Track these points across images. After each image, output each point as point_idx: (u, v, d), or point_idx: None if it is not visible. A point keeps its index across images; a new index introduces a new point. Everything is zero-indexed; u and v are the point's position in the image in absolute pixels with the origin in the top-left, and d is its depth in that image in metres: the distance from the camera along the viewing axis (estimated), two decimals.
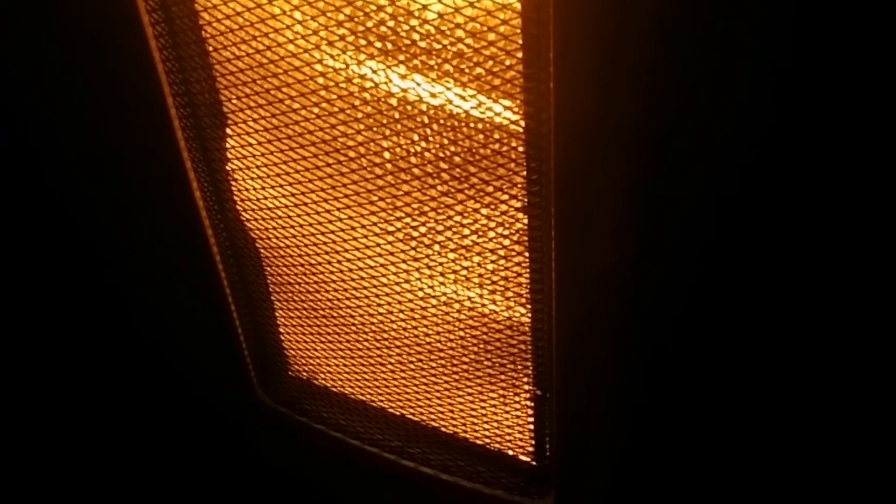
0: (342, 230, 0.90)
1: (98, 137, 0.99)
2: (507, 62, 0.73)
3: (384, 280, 0.93)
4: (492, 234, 0.85)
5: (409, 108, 0.80)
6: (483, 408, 1.00)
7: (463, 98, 0.77)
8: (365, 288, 0.95)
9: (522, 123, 0.76)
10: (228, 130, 0.90)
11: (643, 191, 0.78)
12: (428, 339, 0.96)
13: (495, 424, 1.01)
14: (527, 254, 0.85)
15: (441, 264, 0.89)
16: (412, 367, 1.00)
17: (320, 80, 0.80)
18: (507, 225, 0.84)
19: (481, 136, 0.79)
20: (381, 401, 1.06)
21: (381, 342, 0.99)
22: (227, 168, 0.93)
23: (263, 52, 0.81)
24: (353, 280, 0.94)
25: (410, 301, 0.93)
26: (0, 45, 0.97)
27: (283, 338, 1.08)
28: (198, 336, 1.12)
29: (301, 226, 0.92)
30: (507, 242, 0.85)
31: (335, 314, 1.00)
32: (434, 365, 0.98)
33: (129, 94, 0.91)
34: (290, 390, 1.11)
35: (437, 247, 0.88)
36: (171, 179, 0.95)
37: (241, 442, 1.23)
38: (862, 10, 0.68)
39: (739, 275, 0.84)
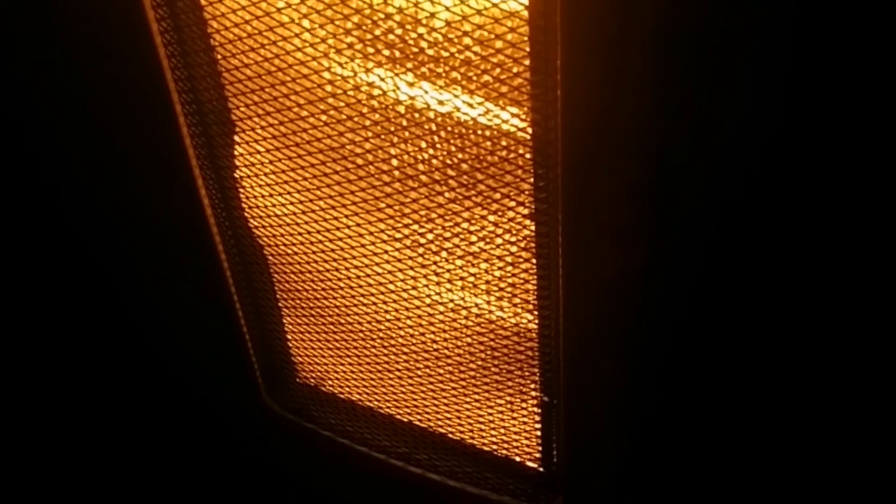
0: (350, 237, 0.90)
1: (107, 144, 0.99)
2: (515, 70, 0.73)
3: (391, 287, 0.93)
4: (499, 240, 0.85)
5: (416, 115, 0.80)
6: (490, 414, 1.00)
7: (470, 105, 0.77)
8: (372, 294, 0.95)
9: (530, 130, 0.77)
10: (237, 138, 0.91)
11: (650, 197, 0.78)
12: (435, 346, 0.96)
13: (502, 431, 1.01)
14: (534, 260, 0.85)
15: (448, 271, 0.89)
16: (419, 373, 1.00)
17: (328, 87, 0.81)
18: (514, 231, 0.84)
19: (489, 143, 0.79)
20: (389, 407, 1.06)
21: (388, 349, 0.99)
22: (236, 175, 0.94)
23: (272, 59, 0.81)
24: (360, 287, 0.95)
25: (418, 308, 0.93)
26: (12, 55, 0.97)
27: (290, 344, 1.08)
28: (205, 342, 1.12)
29: (309, 232, 0.92)
30: (514, 249, 0.86)
31: (342, 321, 1.00)
32: (441, 371, 0.98)
33: (138, 102, 0.91)
34: (298, 397, 1.11)
35: (444, 253, 0.88)
36: (179, 186, 0.95)
37: (248, 448, 1.23)
38: (865, 10, 0.68)
39: (747, 280, 0.84)
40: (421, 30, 0.74)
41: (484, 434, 1.03)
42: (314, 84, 0.81)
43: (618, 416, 0.94)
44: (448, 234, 0.86)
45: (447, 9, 0.72)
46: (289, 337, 1.07)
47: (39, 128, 1.04)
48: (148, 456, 1.34)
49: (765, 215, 0.80)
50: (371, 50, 0.77)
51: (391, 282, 0.93)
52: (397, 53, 0.76)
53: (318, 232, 0.91)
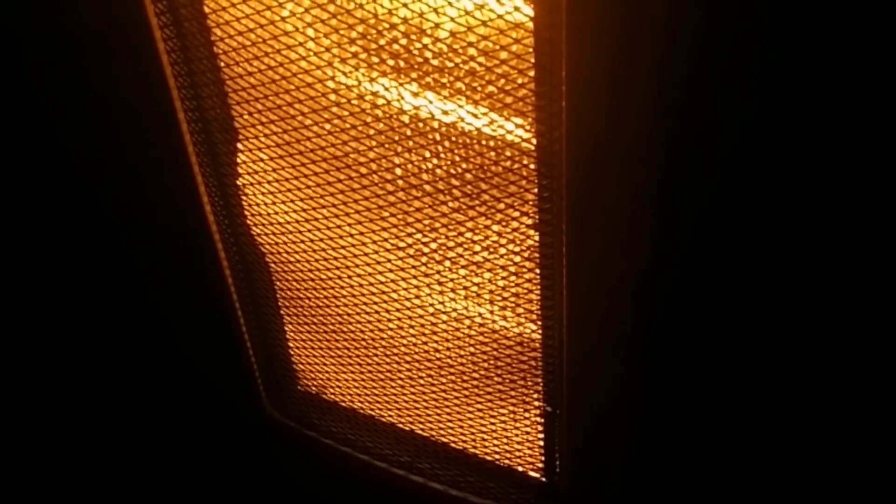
0: (353, 246, 0.90)
1: (110, 150, 0.99)
2: (520, 80, 0.73)
3: (395, 296, 0.93)
4: (503, 250, 0.85)
5: (421, 125, 0.80)
6: (493, 424, 1.00)
7: (475, 115, 0.77)
8: (375, 303, 0.94)
9: (534, 141, 0.76)
10: (239, 145, 0.91)
11: (654, 208, 0.78)
12: (438, 355, 0.96)
13: (505, 440, 1.01)
14: (538, 270, 0.85)
15: (452, 280, 0.89)
16: (422, 382, 0.99)
17: (333, 96, 0.80)
18: (518, 241, 0.84)
19: (493, 154, 0.79)
20: (391, 416, 1.06)
21: (390, 357, 0.99)
22: (238, 182, 0.94)
23: (276, 68, 0.81)
24: (363, 295, 0.94)
25: (421, 317, 0.93)
26: (15, 61, 0.97)
27: (292, 352, 1.08)
28: (207, 350, 1.12)
29: (312, 241, 0.92)
30: (518, 259, 0.85)
31: (345, 329, 1.00)
32: (444, 381, 0.98)
33: (141, 109, 0.91)
34: (299, 405, 1.11)
35: (448, 263, 0.88)
36: (181, 193, 0.95)
37: (249, 456, 1.23)
38: (875, 14, 0.68)
39: (752, 291, 0.84)
40: (426, 40, 0.74)
41: (487, 443, 1.03)
42: (318, 93, 0.80)
43: (621, 426, 0.94)
44: (452, 244, 0.86)
45: (452, 19, 0.72)
46: (290, 345, 1.07)
47: (42, 134, 1.04)
48: (149, 463, 1.34)
49: (773, 224, 0.80)
50: (376, 59, 0.77)
51: (394, 291, 0.92)
52: (402, 63, 0.76)
53: (321, 240, 0.91)
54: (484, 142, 0.79)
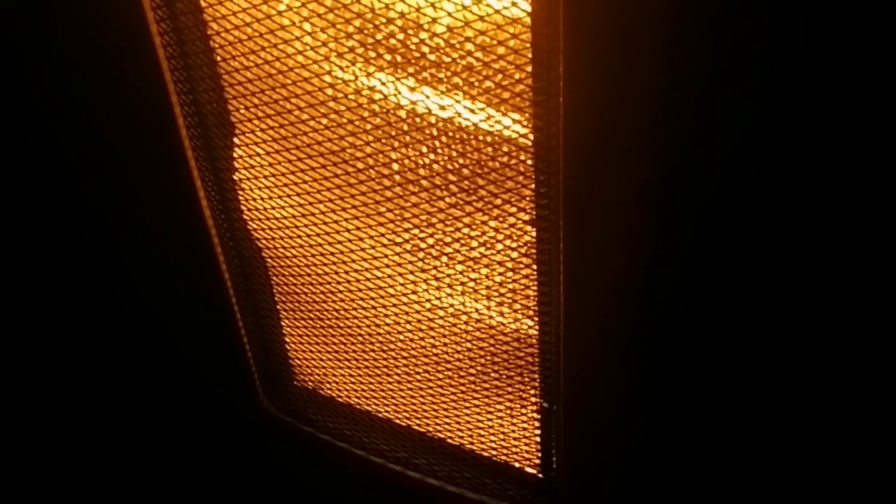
0: (349, 241, 0.90)
1: (105, 145, 0.99)
2: (517, 76, 0.73)
3: (391, 291, 0.93)
4: (500, 246, 0.85)
5: (417, 120, 0.80)
6: (489, 419, 1.00)
7: (472, 111, 0.77)
8: (372, 299, 0.94)
9: (531, 137, 0.76)
10: (236, 140, 0.90)
11: (651, 204, 0.78)
12: (435, 351, 0.96)
13: (502, 436, 1.01)
14: (534, 266, 0.85)
15: (449, 276, 0.89)
16: (419, 378, 0.99)
17: (329, 91, 0.80)
18: (514, 237, 0.84)
19: (490, 149, 0.79)
20: (387, 411, 1.05)
21: (387, 353, 0.99)
22: (235, 177, 0.93)
23: (272, 62, 0.80)
24: (360, 291, 0.94)
25: (417, 312, 0.93)
26: (11, 56, 0.97)
27: (288, 347, 1.08)
28: (203, 345, 1.12)
29: (308, 236, 0.92)
30: (514, 255, 0.85)
31: (342, 324, 1.00)
32: (441, 376, 0.98)
33: (137, 103, 0.91)
34: (296, 400, 1.11)
35: (444, 258, 0.88)
36: (178, 188, 0.95)
37: (246, 451, 1.23)
38: (875, 11, 0.68)
39: (749, 288, 0.84)
40: (423, 35, 0.74)
41: (483, 439, 1.03)
42: (315, 87, 0.80)
43: (618, 422, 0.94)
44: (448, 239, 0.86)
45: (449, 14, 0.71)
46: (287, 340, 1.07)
47: (37, 128, 1.04)
48: (146, 459, 1.34)
49: (771, 222, 0.80)
50: (373, 54, 0.77)
51: (391, 286, 0.92)
52: (399, 58, 0.76)
53: (318, 235, 0.91)
54: (481, 137, 0.78)
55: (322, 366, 1.06)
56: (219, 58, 0.84)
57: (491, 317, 0.92)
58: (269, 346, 1.08)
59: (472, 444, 1.04)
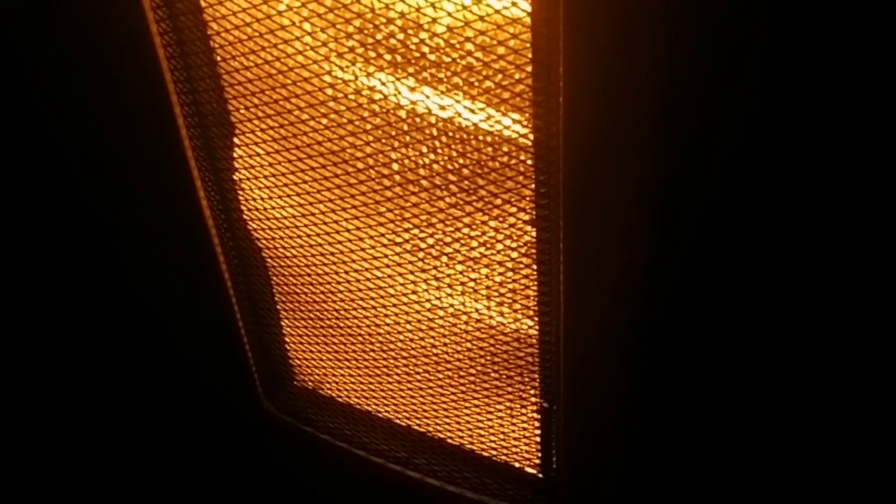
0: (349, 241, 0.90)
1: (105, 145, 0.99)
2: (517, 76, 0.73)
3: (391, 291, 0.93)
4: (500, 246, 0.85)
5: (417, 120, 0.80)
6: (489, 419, 1.00)
7: (472, 111, 0.77)
8: (372, 299, 0.94)
9: (531, 137, 0.76)
10: (236, 140, 0.90)
11: (651, 204, 0.78)
12: (435, 351, 0.96)
13: (502, 436, 1.01)
14: (534, 266, 0.85)
15: (449, 276, 0.89)
16: (419, 378, 0.99)
17: (329, 91, 0.80)
18: (515, 237, 0.84)
19: (490, 149, 0.79)
20: (387, 411, 1.05)
21: (387, 353, 0.99)
22: (235, 177, 0.93)
23: (272, 62, 0.80)
24: (359, 291, 0.94)
25: (417, 312, 0.93)
26: (11, 57, 0.97)
27: (288, 347, 1.08)
28: (203, 345, 1.12)
29: (308, 236, 0.92)
30: (514, 255, 0.85)
31: (341, 324, 1.00)
32: (441, 376, 0.98)
33: (137, 102, 0.91)
34: (296, 400, 1.11)
35: (444, 258, 0.88)
36: (178, 188, 0.95)
37: (246, 451, 1.23)
38: (875, 11, 0.68)
39: (748, 288, 0.84)
40: (423, 35, 0.74)
41: (483, 439, 1.03)
42: (315, 87, 0.80)
43: (618, 422, 0.94)
44: (448, 240, 0.86)
45: (449, 14, 0.71)
46: (287, 340, 1.07)
47: (37, 128, 1.04)
48: (146, 458, 1.34)
49: (771, 221, 0.80)
50: (372, 54, 0.77)
51: (391, 286, 0.92)
52: (399, 58, 0.76)
53: (318, 235, 0.91)
54: (481, 137, 0.78)
55: (322, 366, 1.06)
56: (219, 58, 0.84)
57: (491, 317, 0.92)
58: (268, 346, 1.08)
59: (472, 444, 1.04)
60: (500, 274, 0.87)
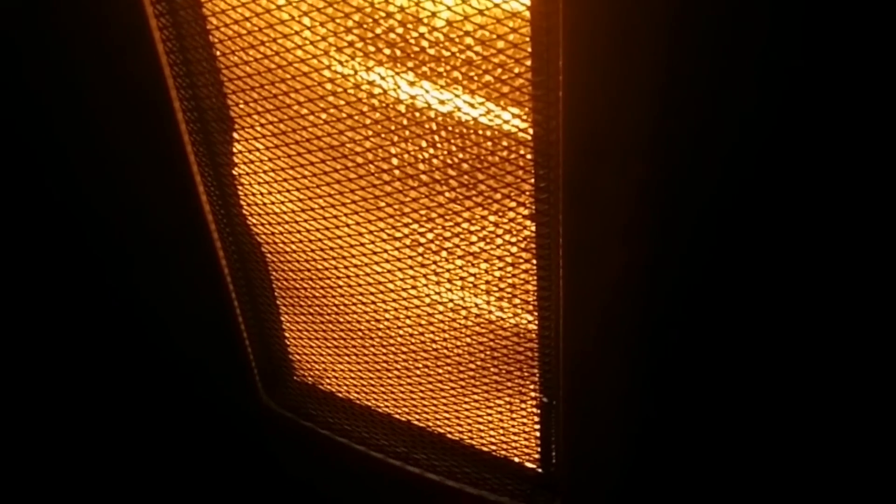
0: (349, 236, 0.90)
1: (105, 141, 0.99)
2: (516, 70, 0.73)
3: (391, 286, 0.93)
4: (499, 241, 0.85)
5: (417, 114, 0.80)
6: (489, 414, 1.00)
7: (471, 105, 0.77)
8: (371, 294, 0.94)
9: (531, 131, 0.76)
10: (235, 135, 0.90)
11: (651, 199, 0.78)
12: (434, 346, 0.96)
13: (501, 431, 1.01)
14: (534, 261, 0.85)
15: (448, 271, 0.89)
16: (418, 372, 0.99)
17: (328, 85, 0.80)
18: (514, 232, 0.84)
19: (489, 144, 0.79)
20: (387, 406, 1.05)
21: (387, 348, 0.99)
22: (234, 172, 0.93)
23: (272, 57, 0.80)
24: (359, 286, 0.94)
25: (417, 307, 0.93)
26: (10, 52, 0.97)
27: (288, 343, 1.08)
28: (203, 340, 1.12)
29: (308, 231, 0.92)
30: (514, 249, 0.85)
31: (341, 319, 1.00)
32: (440, 371, 0.98)
33: (137, 98, 0.91)
34: (296, 395, 1.11)
35: (444, 253, 0.88)
36: (177, 183, 0.95)
37: (245, 446, 1.23)
38: (875, 12, 0.68)
39: (749, 283, 0.84)
40: (422, 29, 0.74)
41: (483, 434, 1.03)
42: (314, 82, 0.80)
43: (618, 417, 0.94)
44: (448, 234, 0.86)
45: (449, 8, 0.71)
46: (287, 335, 1.07)
47: (37, 125, 1.04)
48: (146, 454, 1.34)
49: (771, 218, 0.80)
50: (372, 49, 0.77)
51: (390, 281, 0.92)
52: (398, 52, 0.76)
53: (317, 230, 0.91)
54: (480, 131, 0.78)
55: (322, 361, 1.06)
56: (218, 52, 0.84)
57: (490, 312, 0.92)
58: (268, 342, 1.08)
59: (471, 439, 1.04)
60: (499, 269, 0.87)
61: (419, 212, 0.85)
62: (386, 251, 0.90)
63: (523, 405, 0.98)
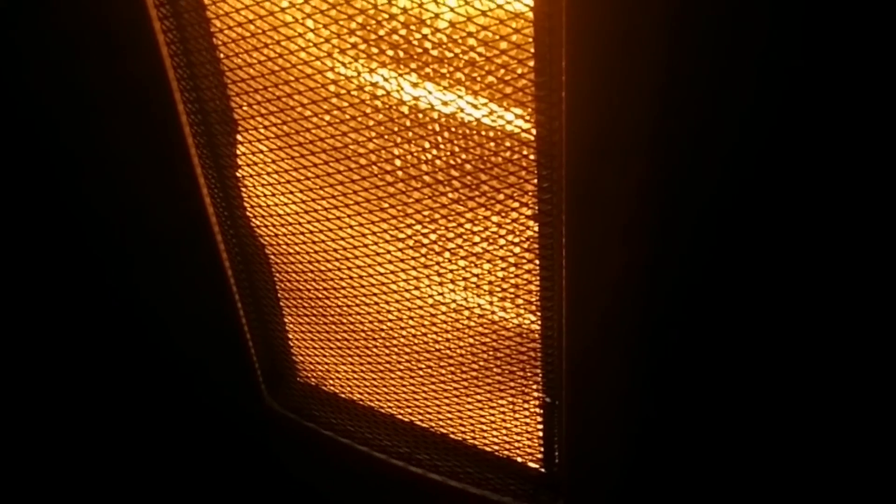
0: (352, 237, 0.90)
1: (109, 143, 0.99)
2: (519, 71, 0.73)
3: (394, 287, 0.93)
4: (502, 241, 0.85)
5: (420, 115, 0.80)
6: (492, 415, 1.00)
7: (474, 106, 0.77)
8: (374, 294, 0.94)
9: (534, 131, 0.76)
10: (239, 137, 0.90)
11: (654, 199, 0.78)
12: (437, 346, 0.96)
13: (504, 431, 1.01)
14: (537, 261, 0.85)
15: (451, 271, 0.89)
16: (421, 373, 0.99)
17: (332, 87, 0.80)
18: (517, 232, 0.84)
19: (492, 144, 0.79)
20: (390, 407, 1.06)
21: (390, 348, 0.99)
22: (238, 174, 0.94)
23: (275, 59, 0.81)
24: (362, 286, 0.94)
25: (420, 308, 0.93)
26: (14, 53, 0.97)
27: (291, 344, 1.08)
28: (207, 342, 1.12)
29: (311, 232, 0.92)
30: (517, 250, 0.85)
31: (344, 320, 1.00)
32: (443, 371, 0.98)
33: (140, 100, 0.91)
34: (299, 396, 1.11)
35: (447, 254, 0.88)
36: (181, 185, 0.95)
37: (249, 447, 1.23)
38: (875, 12, 0.68)
39: (752, 284, 0.84)
40: (425, 30, 0.74)
41: (486, 434, 1.03)
42: (317, 84, 0.80)
43: (620, 417, 0.94)
44: (451, 235, 0.86)
45: (452, 9, 0.72)
46: (290, 336, 1.07)
47: (41, 127, 1.04)
48: (149, 455, 1.34)
49: (771, 217, 0.80)
50: (375, 50, 0.77)
51: (393, 282, 0.92)
52: (401, 54, 0.76)
53: (321, 232, 0.91)
54: (483, 132, 0.79)
55: (325, 362, 1.06)
56: (221, 55, 0.85)
57: (493, 312, 0.92)
58: (271, 343, 1.08)
59: (474, 439, 1.04)
60: (502, 269, 0.88)
61: (422, 213, 0.85)
62: (389, 252, 0.90)
63: (526, 405, 0.98)
